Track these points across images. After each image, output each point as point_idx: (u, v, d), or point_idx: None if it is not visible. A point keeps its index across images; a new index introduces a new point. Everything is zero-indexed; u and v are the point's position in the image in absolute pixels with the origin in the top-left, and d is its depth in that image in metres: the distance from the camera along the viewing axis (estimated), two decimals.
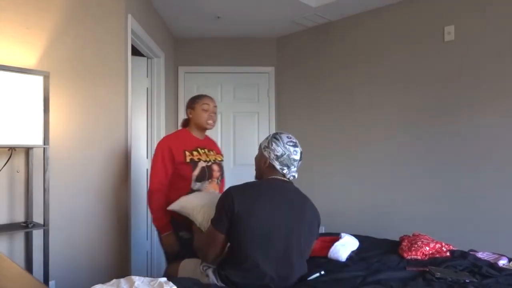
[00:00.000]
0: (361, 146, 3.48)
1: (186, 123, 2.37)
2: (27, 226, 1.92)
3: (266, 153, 1.66)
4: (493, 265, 1.79)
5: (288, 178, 1.68)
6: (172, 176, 2.19)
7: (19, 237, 1.98)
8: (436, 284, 1.56)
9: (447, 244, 2.06)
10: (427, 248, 1.98)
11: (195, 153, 2.21)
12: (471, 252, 2.01)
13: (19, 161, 1.99)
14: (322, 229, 3.61)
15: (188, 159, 2.17)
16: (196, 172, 2.17)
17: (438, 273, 1.64)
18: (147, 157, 3.52)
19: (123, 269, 2.57)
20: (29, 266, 1.97)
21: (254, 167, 1.79)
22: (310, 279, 1.63)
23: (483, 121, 2.77)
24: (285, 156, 1.63)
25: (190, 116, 2.30)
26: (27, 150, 1.99)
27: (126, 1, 2.62)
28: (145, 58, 3.52)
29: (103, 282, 1.31)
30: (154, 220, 2.18)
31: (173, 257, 2.10)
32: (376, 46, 3.40)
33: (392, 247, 2.12)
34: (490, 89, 2.74)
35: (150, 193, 2.19)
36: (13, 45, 1.94)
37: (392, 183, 3.25)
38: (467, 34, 2.86)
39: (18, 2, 1.97)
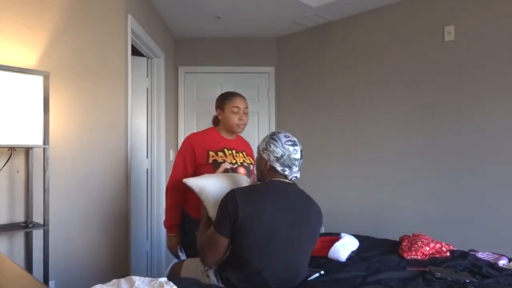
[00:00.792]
0: (361, 146, 3.48)
1: (216, 121, 2.23)
2: (27, 226, 1.92)
3: (265, 156, 1.60)
4: (493, 265, 1.79)
5: (291, 179, 1.62)
6: (193, 176, 2.05)
7: (19, 237, 1.98)
8: (436, 284, 1.56)
9: (447, 244, 2.06)
10: (427, 248, 1.98)
11: (220, 153, 2.09)
12: (471, 252, 2.01)
13: (19, 161, 1.99)
14: (322, 229, 3.62)
15: (211, 160, 2.06)
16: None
17: (438, 273, 1.64)
18: (147, 157, 3.52)
19: (123, 269, 2.57)
20: (29, 266, 1.97)
21: (254, 167, 1.77)
22: (310, 279, 1.63)
23: (483, 121, 2.77)
24: (285, 156, 1.56)
25: (220, 117, 2.17)
26: (27, 150, 1.99)
27: (126, 1, 2.62)
28: (145, 58, 3.52)
29: (103, 282, 1.31)
30: (165, 219, 2.13)
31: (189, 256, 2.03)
32: (376, 46, 3.40)
33: (392, 247, 2.12)
34: (490, 89, 2.74)
35: (166, 190, 2.16)
36: (13, 45, 1.94)
37: (392, 183, 3.25)
38: (467, 34, 2.86)
39: (18, 2, 1.97)
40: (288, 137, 1.61)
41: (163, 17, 3.60)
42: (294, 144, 1.60)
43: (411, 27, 3.17)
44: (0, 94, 1.77)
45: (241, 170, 2.11)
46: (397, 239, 2.26)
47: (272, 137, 1.61)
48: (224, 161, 2.08)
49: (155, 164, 3.57)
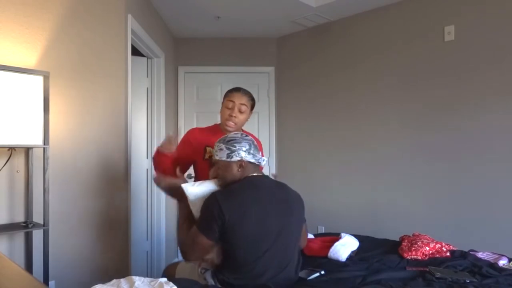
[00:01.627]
0: (361, 146, 3.48)
1: None
2: (27, 226, 1.92)
3: (235, 157, 1.60)
4: (493, 265, 1.79)
5: (263, 165, 1.68)
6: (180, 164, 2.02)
7: (19, 237, 1.98)
8: (436, 284, 1.56)
9: (447, 244, 2.06)
10: (427, 248, 1.98)
11: None
12: (471, 252, 2.01)
13: (19, 161, 1.98)
14: (322, 229, 3.63)
15: (207, 156, 2.06)
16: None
17: (438, 273, 1.64)
18: (147, 157, 3.52)
19: (123, 269, 2.56)
20: (29, 266, 1.97)
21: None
22: (310, 279, 1.63)
23: (483, 121, 2.77)
24: (252, 146, 1.64)
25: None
26: (27, 150, 1.99)
27: (126, 1, 2.62)
28: (145, 58, 3.52)
29: (103, 282, 1.31)
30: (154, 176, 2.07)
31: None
32: (376, 46, 3.40)
33: (392, 247, 2.12)
34: (490, 89, 2.74)
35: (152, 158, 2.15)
36: (13, 45, 1.94)
37: (392, 183, 3.25)
38: (467, 34, 2.86)
39: (18, 2, 1.96)
40: (236, 133, 1.69)
41: (163, 17, 3.59)
42: (241, 135, 1.67)
43: (411, 27, 3.17)
44: (0, 94, 1.77)
45: None
46: (397, 239, 2.26)
47: (227, 142, 1.64)
48: None
49: None
